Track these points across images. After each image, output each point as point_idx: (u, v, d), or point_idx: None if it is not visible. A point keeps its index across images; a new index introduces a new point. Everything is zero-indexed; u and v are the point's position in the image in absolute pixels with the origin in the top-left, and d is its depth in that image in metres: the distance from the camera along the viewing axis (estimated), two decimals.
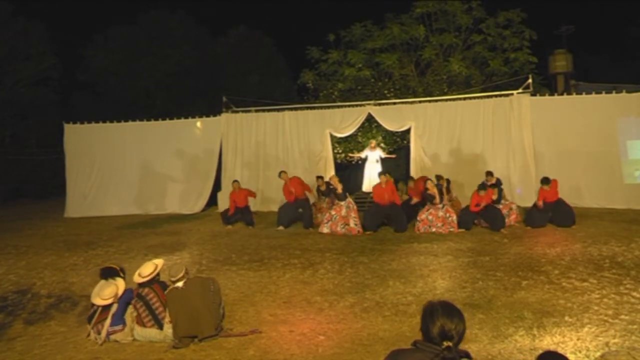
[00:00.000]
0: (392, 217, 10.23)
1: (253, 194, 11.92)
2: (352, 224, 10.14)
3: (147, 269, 5.36)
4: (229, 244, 9.62)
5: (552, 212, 9.81)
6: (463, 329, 2.20)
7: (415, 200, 10.81)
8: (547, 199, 9.76)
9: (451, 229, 9.70)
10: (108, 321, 5.11)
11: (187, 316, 4.93)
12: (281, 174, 11.40)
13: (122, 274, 5.47)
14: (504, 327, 4.96)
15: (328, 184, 11.27)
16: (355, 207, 10.38)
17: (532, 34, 15.84)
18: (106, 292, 5.19)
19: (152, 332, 5.07)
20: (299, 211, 11.11)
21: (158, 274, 5.42)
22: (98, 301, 5.19)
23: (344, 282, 6.79)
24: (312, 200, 11.74)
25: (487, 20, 16.03)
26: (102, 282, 5.34)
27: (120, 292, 5.25)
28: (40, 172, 19.70)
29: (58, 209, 14.39)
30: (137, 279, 5.32)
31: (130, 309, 5.24)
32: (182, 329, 4.93)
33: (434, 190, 9.98)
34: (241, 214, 11.54)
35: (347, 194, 10.52)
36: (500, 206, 10.04)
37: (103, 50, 24.52)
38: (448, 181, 10.92)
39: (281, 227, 10.82)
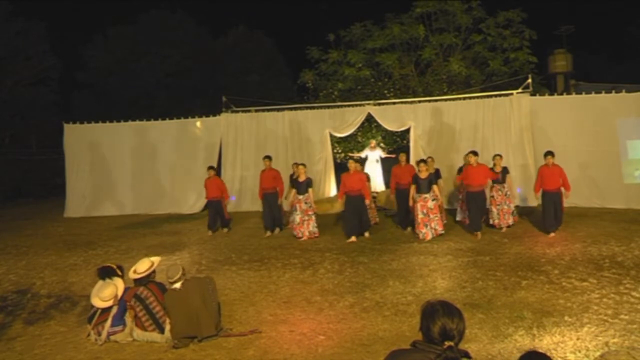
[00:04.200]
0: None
1: (226, 192, 10.93)
2: (304, 227, 9.62)
3: (142, 266, 5.34)
4: (228, 244, 9.62)
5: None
6: (463, 328, 2.20)
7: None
8: (546, 184, 8.89)
9: (437, 230, 9.12)
10: (108, 322, 5.10)
11: (186, 317, 4.92)
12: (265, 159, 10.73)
13: (119, 273, 5.43)
14: (504, 327, 4.96)
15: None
16: (313, 207, 9.74)
17: (532, 33, 15.84)
18: (105, 294, 5.17)
19: (153, 336, 5.06)
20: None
21: (154, 272, 5.41)
22: (98, 303, 5.17)
23: (344, 282, 6.80)
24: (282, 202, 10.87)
25: (487, 20, 16.02)
26: (101, 282, 5.31)
27: (119, 293, 5.23)
28: (40, 172, 19.68)
29: (58, 209, 14.39)
30: (132, 275, 5.32)
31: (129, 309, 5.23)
32: (180, 330, 4.93)
33: (422, 174, 9.19)
34: (214, 210, 10.71)
35: (310, 189, 9.75)
36: (503, 194, 9.53)
37: (103, 50, 24.52)
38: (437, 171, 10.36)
39: (268, 233, 10.33)
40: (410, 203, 9.39)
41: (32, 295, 6.88)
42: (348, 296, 6.19)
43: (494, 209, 9.63)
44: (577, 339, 4.63)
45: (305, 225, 9.68)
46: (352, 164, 9.67)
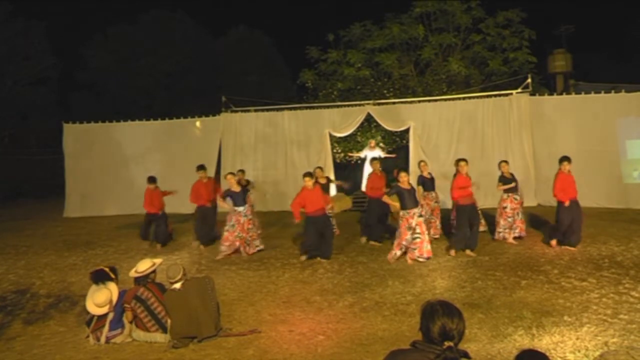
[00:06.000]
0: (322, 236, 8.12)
1: (172, 192, 10.05)
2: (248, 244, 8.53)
3: (143, 265, 5.33)
4: None
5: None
6: (463, 329, 2.20)
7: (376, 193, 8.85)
8: (570, 192, 7.76)
9: (424, 256, 7.53)
10: (106, 328, 5.08)
11: (186, 317, 4.92)
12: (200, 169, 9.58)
13: (112, 275, 5.36)
14: (503, 327, 4.96)
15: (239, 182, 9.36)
16: (256, 221, 8.96)
17: (532, 33, 15.86)
18: (100, 300, 5.09)
19: (155, 336, 5.05)
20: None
21: (154, 272, 5.38)
22: (93, 310, 5.11)
23: (343, 282, 6.80)
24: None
25: (487, 20, 16.04)
26: (94, 286, 5.23)
27: (114, 298, 5.16)
28: (40, 172, 19.67)
29: (57, 209, 14.39)
30: (133, 274, 5.32)
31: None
32: (180, 330, 4.93)
33: (404, 184, 7.59)
34: (156, 222, 9.60)
35: (247, 200, 8.77)
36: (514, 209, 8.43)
37: (103, 50, 24.51)
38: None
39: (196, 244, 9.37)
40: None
41: (31, 295, 6.88)
42: (347, 296, 6.19)
43: (502, 222, 8.52)
44: (577, 338, 4.63)
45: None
46: (308, 181, 8.09)
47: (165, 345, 4.95)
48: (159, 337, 5.04)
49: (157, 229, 9.63)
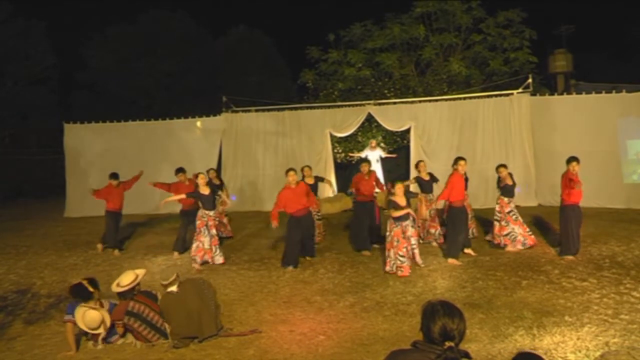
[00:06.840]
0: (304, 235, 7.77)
1: (135, 179, 9.87)
2: (216, 252, 7.96)
3: (126, 279, 5.17)
4: (228, 244, 9.61)
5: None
6: (464, 329, 2.20)
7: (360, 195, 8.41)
8: (575, 196, 7.36)
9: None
10: (101, 342, 5.05)
11: (186, 318, 4.93)
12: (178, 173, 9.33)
13: (92, 288, 5.07)
14: (504, 327, 4.97)
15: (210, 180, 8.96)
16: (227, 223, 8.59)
17: (532, 33, 15.85)
18: (93, 325, 4.89)
19: (158, 345, 5.04)
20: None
21: (138, 284, 5.24)
22: (89, 331, 4.96)
23: (344, 282, 6.80)
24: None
25: (487, 19, 16.03)
26: (82, 309, 4.92)
27: (107, 319, 4.98)
28: (40, 172, 19.67)
29: (58, 209, 14.39)
30: (116, 288, 5.16)
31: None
32: (181, 331, 4.93)
33: (398, 197, 7.01)
34: (114, 222, 9.20)
35: (216, 201, 8.35)
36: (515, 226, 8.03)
37: (103, 50, 24.51)
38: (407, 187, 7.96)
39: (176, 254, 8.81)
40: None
41: (32, 295, 6.88)
42: (348, 296, 6.19)
43: (516, 228, 8.07)
44: (578, 338, 4.63)
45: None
46: (292, 176, 7.58)
47: (166, 345, 4.95)
48: (163, 343, 5.04)
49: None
